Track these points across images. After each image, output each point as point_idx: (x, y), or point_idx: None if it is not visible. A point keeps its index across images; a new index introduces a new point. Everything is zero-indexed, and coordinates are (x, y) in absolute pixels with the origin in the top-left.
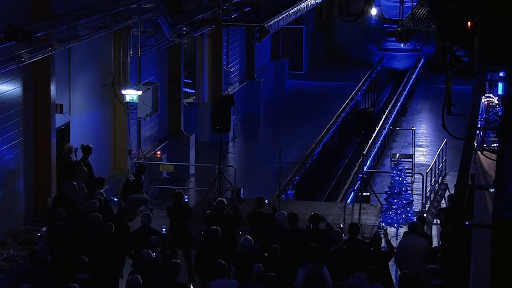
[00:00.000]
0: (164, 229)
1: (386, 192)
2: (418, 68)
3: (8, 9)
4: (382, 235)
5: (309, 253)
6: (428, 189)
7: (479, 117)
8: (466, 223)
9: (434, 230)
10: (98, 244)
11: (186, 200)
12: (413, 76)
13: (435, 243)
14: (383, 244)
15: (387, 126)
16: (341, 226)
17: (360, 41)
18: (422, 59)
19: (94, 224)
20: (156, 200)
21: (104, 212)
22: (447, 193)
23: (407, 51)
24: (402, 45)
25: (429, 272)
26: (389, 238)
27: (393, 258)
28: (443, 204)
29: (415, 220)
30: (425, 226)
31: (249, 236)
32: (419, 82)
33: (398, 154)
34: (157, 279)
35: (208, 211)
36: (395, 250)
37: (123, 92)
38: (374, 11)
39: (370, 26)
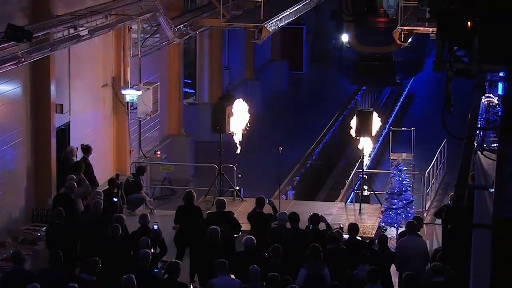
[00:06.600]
0: (155, 226)
1: (386, 192)
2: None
3: (8, 9)
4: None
5: (311, 253)
6: (428, 189)
7: (479, 117)
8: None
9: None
10: (105, 246)
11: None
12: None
13: (435, 242)
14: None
15: (387, 126)
16: (341, 226)
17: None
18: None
19: (113, 236)
20: (156, 200)
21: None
22: (450, 192)
23: (384, 85)
24: None
25: (431, 269)
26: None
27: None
28: (446, 203)
29: (414, 220)
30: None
31: (251, 236)
32: (419, 82)
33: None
34: (156, 278)
35: (208, 211)
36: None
37: (123, 92)
38: (345, 38)
39: (340, 56)
